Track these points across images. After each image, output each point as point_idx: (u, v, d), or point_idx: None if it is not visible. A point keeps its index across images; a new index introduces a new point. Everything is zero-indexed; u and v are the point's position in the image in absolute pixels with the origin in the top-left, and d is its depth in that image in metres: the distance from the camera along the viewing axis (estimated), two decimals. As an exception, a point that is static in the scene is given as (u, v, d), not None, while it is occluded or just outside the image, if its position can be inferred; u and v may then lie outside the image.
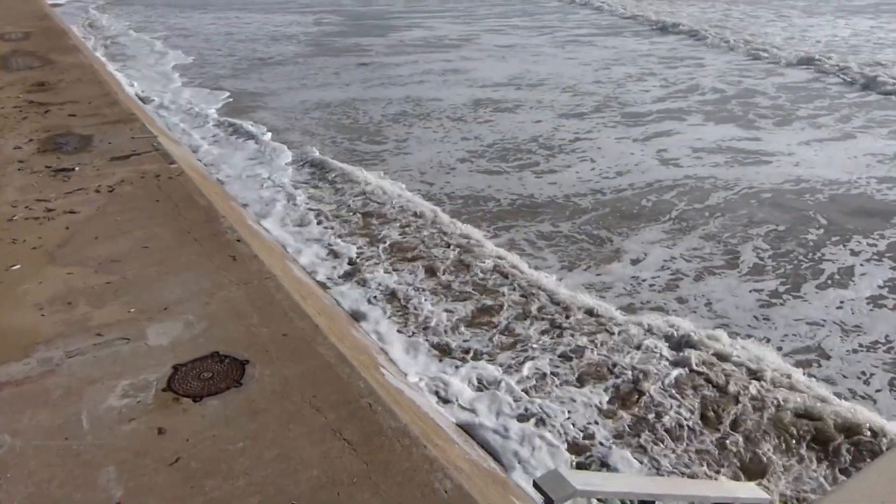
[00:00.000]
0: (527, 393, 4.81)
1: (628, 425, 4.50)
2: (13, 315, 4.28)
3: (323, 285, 6.32)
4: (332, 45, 18.58)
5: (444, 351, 5.32)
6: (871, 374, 5.04)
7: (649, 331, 5.46)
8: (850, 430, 4.39)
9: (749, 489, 3.32)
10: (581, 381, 4.93)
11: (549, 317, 5.72)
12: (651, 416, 4.56)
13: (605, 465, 4.21)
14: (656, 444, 4.32)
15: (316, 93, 13.29)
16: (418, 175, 9.07)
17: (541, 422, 4.53)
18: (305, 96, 13.08)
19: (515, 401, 4.72)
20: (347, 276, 6.47)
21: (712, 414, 4.58)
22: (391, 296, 6.09)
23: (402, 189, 8.48)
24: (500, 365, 5.11)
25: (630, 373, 4.98)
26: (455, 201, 8.23)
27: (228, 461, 3.06)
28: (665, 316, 5.67)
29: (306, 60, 16.27)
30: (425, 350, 5.33)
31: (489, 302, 5.95)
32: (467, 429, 4.49)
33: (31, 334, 4.06)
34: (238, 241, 5.26)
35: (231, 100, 12.95)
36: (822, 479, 4.05)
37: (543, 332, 5.50)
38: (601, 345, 5.33)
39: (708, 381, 4.89)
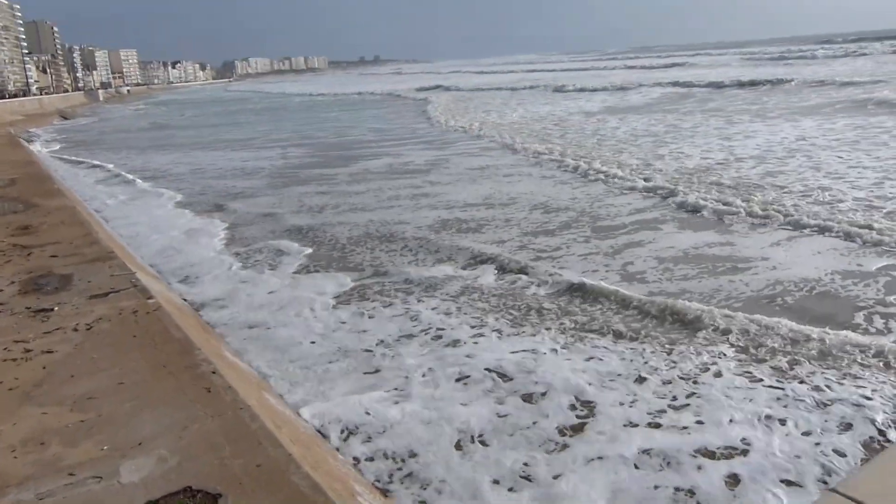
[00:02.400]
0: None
1: None
2: (-15, 459, 4.27)
3: (297, 412, 6.34)
4: (297, 177, 19.38)
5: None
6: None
7: None
8: None
9: None
10: None
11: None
12: None
13: None
14: None
15: (289, 219, 13.92)
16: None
17: None
18: (275, 226, 13.67)
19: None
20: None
21: None
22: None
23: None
24: None
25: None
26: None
27: None
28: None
29: (275, 192, 16.97)
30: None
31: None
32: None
33: (2, 477, 4.05)
34: (213, 372, 5.35)
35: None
36: None
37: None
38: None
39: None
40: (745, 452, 5.06)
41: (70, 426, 4.60)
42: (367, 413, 6.12)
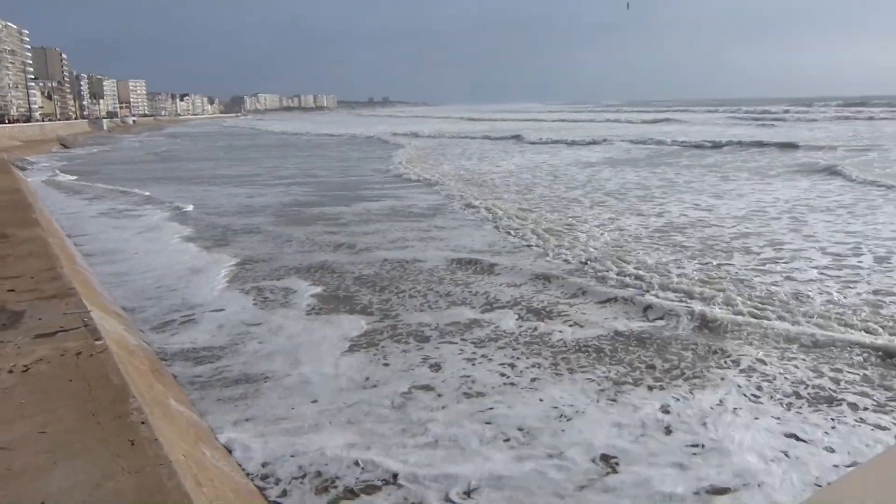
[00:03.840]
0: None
1: None
2: None
3: (241, 466, 6.13)
4: (301, 216, 19.38)
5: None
6: None
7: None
8: None
9: None
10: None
11: None
12: None
13: None
14: None
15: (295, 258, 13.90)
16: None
17: None
18: (283, 262, 13.60)
19: None
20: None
21: None
22: (308, 478, 5.90)
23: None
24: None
25: None
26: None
27: None
28: None
29: (281, 231, 16.94)
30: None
31: None
32: None
33: None
34: (143, 423, 5.14)
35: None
36: None
37: None
38: None
39: None
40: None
41: (-25, 479, 4.38)
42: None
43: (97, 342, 6.89)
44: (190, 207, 21.43)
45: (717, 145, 37.95)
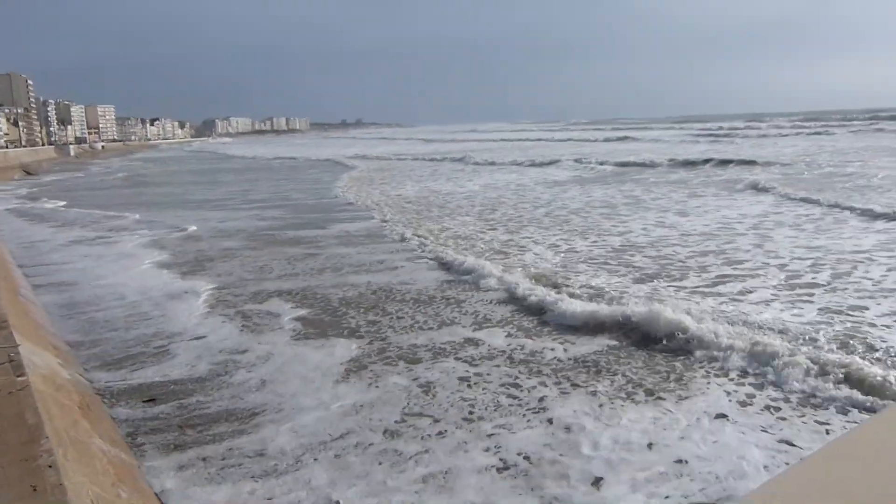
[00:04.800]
0: None
1: None
2: None
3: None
4: (278, 238, 19.14)
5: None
6: None
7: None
8: None
9: None
10: None
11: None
12: None
13: None
14: None
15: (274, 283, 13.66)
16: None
17: None
18: (264, 287, 13.39)
19: None
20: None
21: None
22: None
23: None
24: None
25: None
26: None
27: None
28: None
29: (258, 255, 16.67)
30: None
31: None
32: None
33: None
34: (50, 466, 4.90)
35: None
36: None
37: None
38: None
39: None
40: None
41: None
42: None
43: (19, 378, 6.62)
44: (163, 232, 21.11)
45: (652, 164, 38.26)
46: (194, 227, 22.24)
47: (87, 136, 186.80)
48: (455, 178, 36.95)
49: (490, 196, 27.16)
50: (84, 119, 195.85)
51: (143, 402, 8.23)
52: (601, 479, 5.84)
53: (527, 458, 6.26)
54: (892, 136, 60.04)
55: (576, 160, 44.13)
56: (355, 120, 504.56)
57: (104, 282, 14.64)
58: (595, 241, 16.40)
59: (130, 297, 13.07)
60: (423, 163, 51.97)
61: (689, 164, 37.01)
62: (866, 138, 56.94)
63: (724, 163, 35.77)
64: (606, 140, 73.58)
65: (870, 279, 11.62)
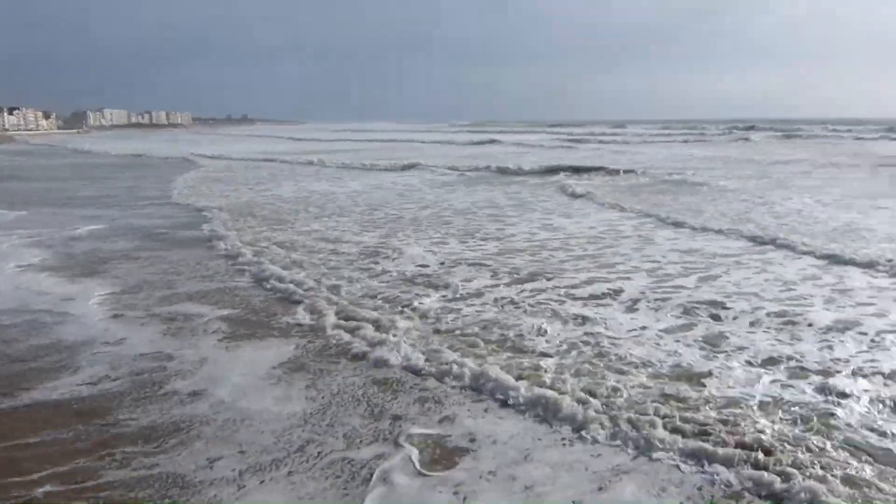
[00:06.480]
0: None
1: None
2: None
3: None
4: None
5: None
6: None
7: None
8: None
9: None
10: None
11: None
12: None
13: None
14: None
15: None
16: None
17: None
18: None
19: None
20: None
21: None
22: None
23: None
24: None
25: None
26: None
27: None
28: None
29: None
30: None
31: None
32: None
33: None
34: None
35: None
36: None
37: None
38: None
39: None
40: None
41: None
42: None
43: None
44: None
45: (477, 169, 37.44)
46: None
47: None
48: (299, 181, 34.92)
49: (315, 200, 25.50)
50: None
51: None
52: None
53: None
54: (740, 145, 63.48)
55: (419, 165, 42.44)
56: (241, 115, 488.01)
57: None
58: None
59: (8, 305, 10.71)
60: (276, 165, 48.90)
61: (515, 172, 35.73)
62: (724, 147, 59.74)
63: (552, 171, 34.87)
64: (472, 143, 73.70)
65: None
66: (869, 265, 12.33)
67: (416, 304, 10.45)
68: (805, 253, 13.61)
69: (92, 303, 10.87)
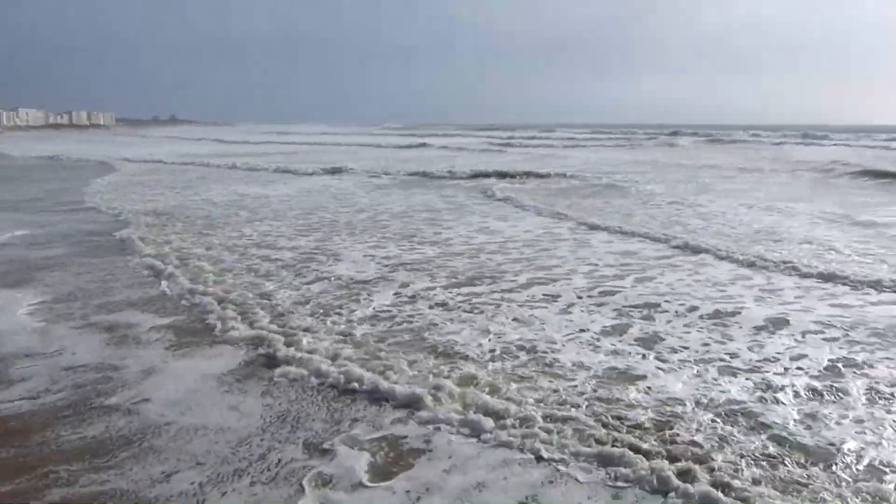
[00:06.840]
0: None
1: None
2: None
3: None
4: None
5: None
6: None
7: None
8: None
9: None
10: None
11: None
12: None
13: None
14: None
15: None
16: None
17: None
18: None
19: None
20: None
21: None
22: None
23: None
24: None
25: None
26: None
27: None
28: None
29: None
30: None
31: None
32: None
33: None
34: None
35: None
36: None
37: None
38: None
39: None
40: None
41: None
42: None
43: None
44: None
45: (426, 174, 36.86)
46: None
47: None
48: (228, 184, 34.02)
49: (215, 210, 24.98)
50: None
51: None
52: None
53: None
54: (666, 149, 65.61)
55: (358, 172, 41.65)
56: (169, 116, 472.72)
57: None
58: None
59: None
60: (196, 168, 46.95)
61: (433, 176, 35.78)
62: (651, 151, 61.55)
63: (478, 176, 35.12)
64: (402, 147, 73.49)
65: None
66: (794, 268, 13.09)
67: (350, 308, 10.47)
68: (727, 257, 14.24)
69: (22, 313, 10.45)
